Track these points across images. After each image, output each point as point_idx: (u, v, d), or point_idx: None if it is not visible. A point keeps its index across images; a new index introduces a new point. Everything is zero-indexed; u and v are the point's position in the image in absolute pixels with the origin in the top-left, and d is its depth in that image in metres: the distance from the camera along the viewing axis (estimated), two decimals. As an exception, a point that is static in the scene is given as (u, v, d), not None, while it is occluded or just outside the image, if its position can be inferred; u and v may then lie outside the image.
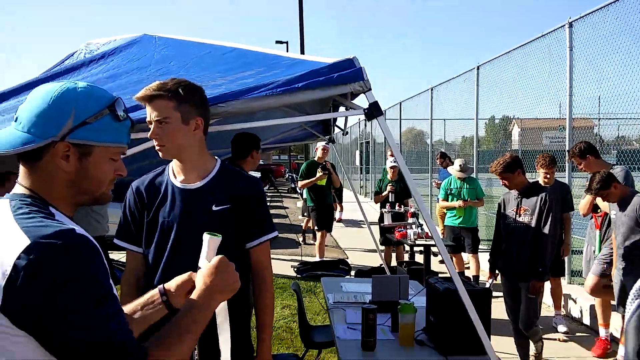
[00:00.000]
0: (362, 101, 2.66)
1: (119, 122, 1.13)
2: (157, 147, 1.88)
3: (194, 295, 1.17)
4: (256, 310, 2.05)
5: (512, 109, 9.13)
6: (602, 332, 4.60)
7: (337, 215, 12.19)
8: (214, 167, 1.99)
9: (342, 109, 3.89)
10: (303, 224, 10.29)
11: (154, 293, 1.32)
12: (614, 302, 4.32)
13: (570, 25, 5.89)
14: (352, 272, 7.14)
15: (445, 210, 7.03)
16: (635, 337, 0.60)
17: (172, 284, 1.32)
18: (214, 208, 1.92)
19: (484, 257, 6.91)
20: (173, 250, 1.93)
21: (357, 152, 21.12)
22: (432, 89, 11.35)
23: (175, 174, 1.98)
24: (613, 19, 5.32)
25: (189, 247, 1.84)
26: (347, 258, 8.27)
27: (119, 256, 6.69)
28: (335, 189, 8.52)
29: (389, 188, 7.26)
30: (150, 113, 1.83)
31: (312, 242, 9.67)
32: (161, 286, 1.32)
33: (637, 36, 5.12)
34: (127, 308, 1.30)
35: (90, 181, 1.11)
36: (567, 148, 5.92)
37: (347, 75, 2.30)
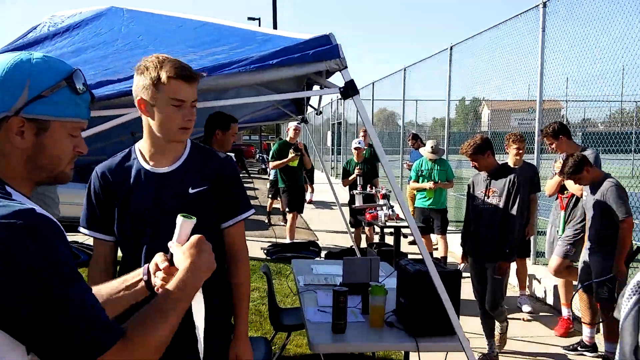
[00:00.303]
0: (336, 80, 2.63)
1: (78, 95, 1.06)
2: (185, 130, 1.81)
3: (177, 277, 1.13)
4: (233, 291, 2.02)
5: (483, 91, 9.25)
6: (565, 312, 4.75)
7: (307, 196, 12.20)
8: (186, 148, 1.93)
9: (316, 87, 3.85)
10: (267, 205, 10.23)
11: (138, 273, 1.29)
12: (576, 282, 4.47)
13: (544, 5, 5.93)
14: (322, 254, 7.17)
15: (415, 192, 7.10)
16: (632, 335, 0.59)
17: (150, 265, 1.31)
18: (190, 191, 1.87)
19: (452, 239, 7.04)
20: (152, 238, 1.85)
21: (329, 133, 21.11)
22: (405, 69, 11.35)
23: (145, 158, 1.89)
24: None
25: (168, 234, 1.79)
26: (317, 240, 8.29)
27: (83, 238, 6.53)
28: (306, 170, 8.50)
29: (356, 171, 7.25)
30: (188, 94, 1.77)
31: (280, 223, 9.66)
32: (146, 266, 1.29)
33: (609, 16, 5.18)
34: (110, 285, 1.27)
35: (47, 158, 1.05)
36: (536, 129, 6.03)
37: (323, 52, 2.26)
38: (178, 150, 1.90)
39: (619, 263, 3.77)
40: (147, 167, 1.88)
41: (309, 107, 5.79)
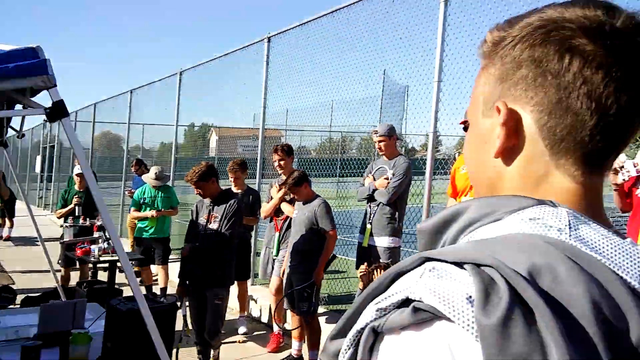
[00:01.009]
0: (43, 100, 2.34)
1: None
2: None
3: None
4: None
5: (212, 117, 9.52)
6: (276, 328, 5.11)
7: (5, 232, 10.44)
8: None
9: (19, 106, 3.34)
10: None
11: None
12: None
13: (269, 40, 6.38)
14: (19, 300, 6.12)
15: (136, 221, 6.76)
16: None
17: None
18: None
19: (174, 268, 6.92)
20: None
21: (39, 158, 18.64)
22: (131, 92, 10.91)
23: None
24: (305, 37, 5.95)
25: None
26: (13, 283, 7.04)
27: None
28: (4, 202, 7.24)
29: (75, 200, 6.56)
30: None
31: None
32: None
33: (325, 57, 5.88)
34: None
35: None
36: (259, 156, 6.48)
37: (27, 66, 1.99)
38: None
39: (320, 270, 4.25)
40: None
41: (9, 128, 4.96)
